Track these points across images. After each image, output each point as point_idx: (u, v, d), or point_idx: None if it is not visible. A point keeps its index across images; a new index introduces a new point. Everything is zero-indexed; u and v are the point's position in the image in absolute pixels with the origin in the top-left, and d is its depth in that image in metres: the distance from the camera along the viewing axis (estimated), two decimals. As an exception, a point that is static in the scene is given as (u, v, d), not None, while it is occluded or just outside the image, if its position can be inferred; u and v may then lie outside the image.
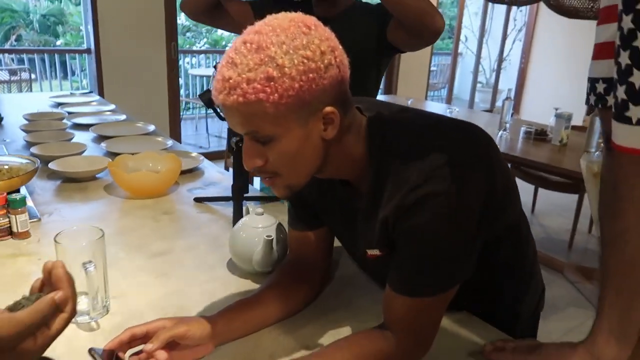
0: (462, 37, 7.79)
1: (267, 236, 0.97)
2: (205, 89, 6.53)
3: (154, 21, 4.04)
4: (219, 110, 1.27)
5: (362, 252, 0.80)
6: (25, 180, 1.29)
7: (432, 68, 6.71)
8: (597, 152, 2.65)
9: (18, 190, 1.29)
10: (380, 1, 1.36)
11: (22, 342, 0.53)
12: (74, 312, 0.58)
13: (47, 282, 0.59)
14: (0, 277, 0.99)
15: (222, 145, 5.24)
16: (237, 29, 1.64)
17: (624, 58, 0.52)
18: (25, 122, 2.10)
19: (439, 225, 0.66)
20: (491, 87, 7.35)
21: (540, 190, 3.61)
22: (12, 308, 0.56)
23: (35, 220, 1.23)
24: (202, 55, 7.55)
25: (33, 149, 1.67)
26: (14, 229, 1.14)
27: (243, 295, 0.89)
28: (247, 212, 1.10)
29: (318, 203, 0.88)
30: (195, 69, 6.93)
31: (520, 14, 6.79)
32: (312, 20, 0.66)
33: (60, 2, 12.57)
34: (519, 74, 6.75)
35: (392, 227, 0.70)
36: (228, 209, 1.37)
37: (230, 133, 1.27)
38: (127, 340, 0.72)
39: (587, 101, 0.64)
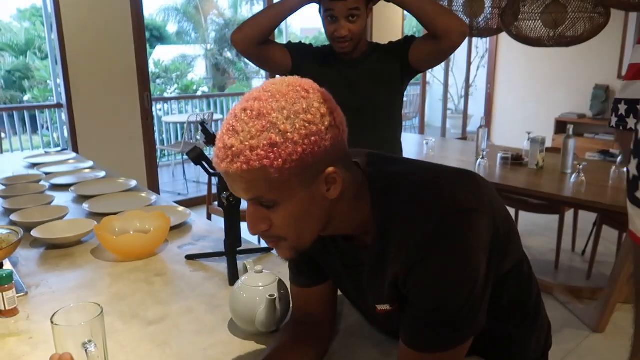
0: (428, 67, 8.02)
1: (270, 295, 0.95)
2: (180, 135, 6.49)
3: (126, 72, 4.04)
4: (206, 166, 1.27)
5: (371, 307, 0.79)
6: (10, 252, 1.24)
7: (404, 99, 6.87)
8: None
9: (1, 265, 1.24)
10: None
11: None
12: None
13: None
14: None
15: (201, 191, 5.20)
16: (279, 70, 1.76)
17: None
18: (1, 187, 2.04)
19: (449, 278, 0.66)
20: (461, 113, 7.54)
21: (522, 214, 3.67)
22: None
23: (22, 294, 1.18)
24: (173, 102, 7.57)
25: (13, 217, 1.62)
26: (1, 308, 1.08)
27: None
28: (245, 270, 1.08)
29: (320, 258, 0.87)
30: (168, 116, 6.92)
31: (481, 41, 7.05)
32: (309, 83, 0.67)
33: (26, 57, 12.50)
34: (486, 98, 6.95)
35: (403, 283, 0.70)
36: (221, 265, 1.35)
37: (221, 188, 1.26)
38: None
39: (609, 122, 0.63)
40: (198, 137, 5.93)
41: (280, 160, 0.61)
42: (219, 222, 2.00)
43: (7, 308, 1.09)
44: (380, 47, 1.77)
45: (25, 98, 11.30)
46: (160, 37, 13.38)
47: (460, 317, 0.69)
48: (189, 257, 1.39)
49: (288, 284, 1.00)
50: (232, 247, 1.31)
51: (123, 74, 4.04)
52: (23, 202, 1.81)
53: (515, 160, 3.02)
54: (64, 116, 4.31)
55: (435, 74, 8.32)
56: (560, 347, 2.40)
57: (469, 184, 0.73)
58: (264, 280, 1.01)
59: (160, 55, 12.44)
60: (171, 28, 13.18)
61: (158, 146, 5.75)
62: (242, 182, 0.64)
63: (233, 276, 1.24)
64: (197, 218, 1.73)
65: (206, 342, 0.99)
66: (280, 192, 0.64)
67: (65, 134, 4.50)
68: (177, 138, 6.71)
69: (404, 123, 7.62)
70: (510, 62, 6.60)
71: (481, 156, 2.90)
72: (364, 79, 1.71)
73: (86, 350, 0.77)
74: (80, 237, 1.50)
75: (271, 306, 0.95)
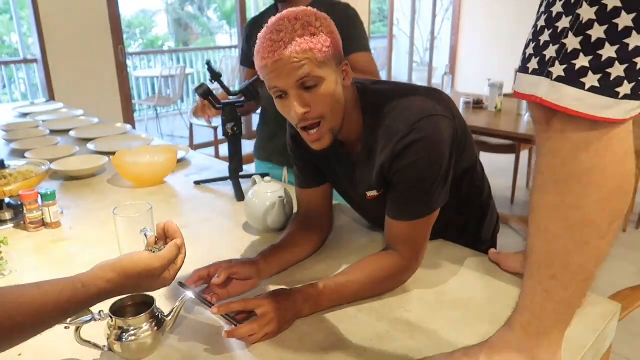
0: (394, 20, 8.14)
1: (280, 197, 1.18)
2: (151, 90, 6.48)
3: (99, 26, 4.05)
4: (213, 101, 1.46)
5: (361, 195, 1.04)
6: (42, 178, 1.42)
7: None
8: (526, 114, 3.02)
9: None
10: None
11: (164, 272, 0.74)
12: (185, 254, 0.79)
13: (160, 237, 0.79)
14: (53, 258, 1.15)
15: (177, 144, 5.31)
16: None
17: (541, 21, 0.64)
18: (3, 132, 2.17)
19: (423, 164, 0.90)
20: (426, 66, 7.77)
21: (483, 155, 3.99)
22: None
23: (60, 212, 1.37)
24: (142, 57, 7.49)
25: (27, 154, 1.78)
26: (47, 220, 1.28)
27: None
28: (254, 183, 1.29)
29: (320, 163, 1.10)
30: (139, 70, 6.88)
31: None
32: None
33: (-23, 13, 11.86)
34: (451, 50, 7.18)
35: (388, 169, 0.94)
36: (225, 188, 1.56)
37: (226, 120, 1.46)
38: (196, 279, 0.91)
39: None
40: (169, 92, 5.98)
41: (320, 44, 0.84)
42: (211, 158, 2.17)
43: (52, 221, 1.28)
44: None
45: (-18, 55, 10.79)
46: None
47: (430, 192, 0.93)
48: (198, 182, 1.60)
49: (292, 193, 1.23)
50: (236, 170, 1.52)
51: (96, 28, 4.05)
52: (30, 144, 1.96)
53: (476, 104, 3.29)
54: (36, 71, 4.30)
55: (401, 27, 8.45)
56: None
57: (435, 96, 0.97)
58: (272, 188, 1.23)
59: (121, 10, 11.95)
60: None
61: (136, 100, 5.79)
62: (292, 66, 0.84)
63: (239, 194, 1.46)
64: (195, 154, 1.93)
65: (227, 240, 1.23)
66: (322, 71, 0.86)
67: (33, 88, 4.48)
68: (147, 93, 6.72)
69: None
70: (474, 14, 6.81)
71: (445, 100, 3.15)
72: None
73: (145, 235, 0.98)
74: (96, 169, 1.68)
75: (280, 206, 1.19)
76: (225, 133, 1.48)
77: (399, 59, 8.82)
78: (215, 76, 1.43)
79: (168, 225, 0.80)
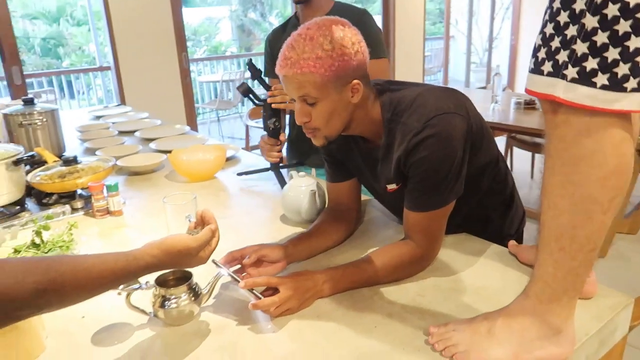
0: (452, 21, 8.05)
1: (312, 190, 1.29)
2: (213, 94, 6.78)
3: (164, 34, 4.35)
4: (253, 98, 1.57)
5: (383, 188, 1.12)
6: (108, 173, 1.61)
7: (426, 53, 6.99)
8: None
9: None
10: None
11: (200, 252, 0.87)
12: (219, 237, 0.92)
13: (199, 222, 0.92)
14: (115, 241, 1.32)
15: (238, 146, 5.56)
16: None
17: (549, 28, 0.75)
18: (79, 133, 2.43)
19: (435, 158, 0.97)
20: (485, 66, 7.62)
21: (537, 157, 3.90)
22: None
23: (122, 202, 1.55)
24: (205, 63, 7.87)
25: (98, 152, 2.00)
26: (111, 209, 1.46)
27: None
28: (291, 178, 1.40)
29: (347, 159, 1.19)
30: (202, 76, 7.25)
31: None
32: (346, 21, 0.97)
33: (59, 24, 12.90)
34: (511, 50, 7.01)
35: (404, 163, 1.02)
36: (266, 184, 1.69)
37: (267, 116, 1.57)
38: (230, 260, 1.03)
39: None
40: (230, 96, 6.26)
41: (322, 69, 0.93)
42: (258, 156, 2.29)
43: (115, 209, 1.46)
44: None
45: (64, 64, 11.75)
46: (185, 0, 13.51)
47: (442, 185, 1.00)
48: (240, 174, 1.73)
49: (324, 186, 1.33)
50: (277, 163, 1.64)
51: (162, 37, 4.35)
52: (101, 143, 2.19)
53: (528, 104, 3.24)
54: (110, 78, 4.68)
55: (459, 28, 8.33)
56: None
57: (450, 96, 1.03)
58: (305, 182, 1.34)
59: (187, 19, 12.59)
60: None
61: (199, 105, 6.12)
62: (296, 83, 0.95)
63: (282, 182, 1.57)
64: (245, 154, 2.08)
65: (265, 229, 1.35)
66: (320, 92, 0.95)
67: (108, 93, 4.87)
68: (210, 97, 7.06)
69: (427, 78, 7.63)
70: (534, 13, 6.61)
71: (495, 101, 3.13)
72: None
73: (189, 220, 1.11)
74: (156, 165, 1.86)
75: (312, 198, 1.29)
76: (266, 128, 1.59)
77: (456, 60, 8.69)
78: (255, 74, 1.54)
79: (205, 213, 0.93)
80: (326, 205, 1.33)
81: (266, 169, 1.67)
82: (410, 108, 1.01)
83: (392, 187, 1.10)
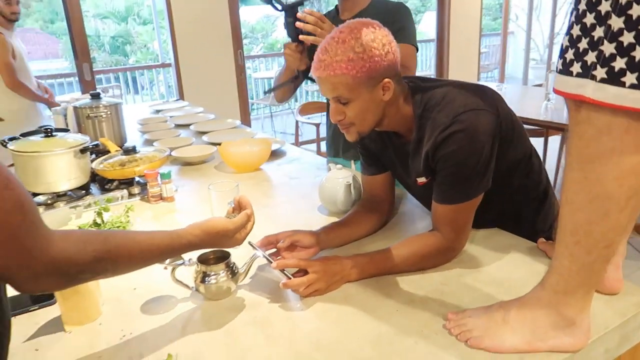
0: (512, 16, 7.81)
1: (347, 182, 1.35)
2: (267, 88, 6.95)
3: (221, 32, 4.53)
4: (275, 4, 1.53)
5: (413, 181, 1.16)
6: (163, 162, 1.74)
7: (483, 50, 6.84)
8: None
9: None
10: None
11: (236, 234, 0.95)
12: (254, 221, 1.00)
13: (237, 207, 1.01)
14: (166, 224, 1.44)
15: (288, 140, 5.70)
16: None
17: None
18: (139, 125, 2.61)
19: (462, 152, 1.01)
20: (545, 63, 7.34)
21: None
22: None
23: (174, 190, 1.67)
24: (261, 59, 8.08)
25: (155, 144, 2.15)
26: (164, 195, 1.59)
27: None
28: (329, 170, 1.47)
29: (381, 153, 1.25)
30: (257, 72, 7.44)
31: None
32: (377, 23, 1.02)
33: (127, 23, 13.61)
34: (573, 46, 6.71)
35: (432, 157, 1.06)
36: (308, 177, 1.76)
37: (288, 24, 1.55)
38: (266, 243, 1.12)
39: None
40: (284, 92, 6.40)
41: (354, 70, 0.98)
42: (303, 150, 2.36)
43: (167, 195, 1.58)
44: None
45: (130, 61, 12.40)
46: (244, -1, 13.86)
47: (469, 179, 1.03)
48: (268, 91, 1.81)
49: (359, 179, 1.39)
50: (304, 68, 1.62)
51: (219, 35, 4.53)
52: (158, 135, 2.35)
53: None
54: (171, 74, 4.93)
55: (519, 23, 8.07)
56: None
57: (480, 93, 1.06)
58: (342, 174, 1.40)
59: (245, 17, 12.95)
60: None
61: (254, 100, 6.32)
62: (329, 84, 1.01)
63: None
64: (290, 147, 2.17)
65: (303, 218, 1.42)
66: (352, 92, 1.01)
67: (169, 89, 5.13)
68: (264, 93, 7.24)
69: (482, 75, 7.42)
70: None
71: (547, 99, 3.05)
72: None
73: (230, 205, 1.21)
74: (206, 157, 1.99)
75: (348, 190, 1.35)
76: (289, 34, 1.57)
77: (516, 57, 8.43)
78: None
79: (242, 199, 1.01)
80: (362, 196, 1.38)
81: (294, 78, 1.71)
82: (440, 104, 1.05)
83: (421, 180, 1.14)
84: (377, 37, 1.00)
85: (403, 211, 1.41)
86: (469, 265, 1.10)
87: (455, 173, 1.04)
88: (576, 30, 0.71)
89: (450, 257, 1.10)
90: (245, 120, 4.90)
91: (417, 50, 1.72)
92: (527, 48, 7.06)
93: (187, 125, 2.57)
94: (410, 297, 0.99)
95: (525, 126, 2.96)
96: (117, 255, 0.76)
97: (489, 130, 1.02)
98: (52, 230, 0.68)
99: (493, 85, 4.69)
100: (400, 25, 1.66)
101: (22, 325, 0.95)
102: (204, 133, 2.36)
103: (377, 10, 1.74)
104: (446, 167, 1.04)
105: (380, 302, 0.98)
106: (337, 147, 1.92)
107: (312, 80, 1.66)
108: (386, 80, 1.02)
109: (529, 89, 5.03)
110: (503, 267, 1.09)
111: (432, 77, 1.48)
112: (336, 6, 1.82)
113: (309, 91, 7.51)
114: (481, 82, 5.87)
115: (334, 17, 1.80)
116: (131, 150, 1.75)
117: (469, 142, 1.00)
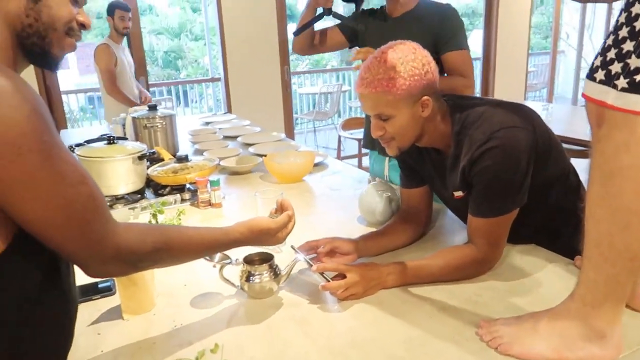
0: (563, 35, 7.66)
1: (387, 195, 1.40)
2: (312, 105, 7.09)
3: (270, 49, 4.69)
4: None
5: (450, 194, 1.21)
6: (212, 171, 1.85)
7: (531, 68, 6.74)
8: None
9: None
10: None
11: (278, 233, 1.02)
12: (294, 222, 1.07)
13: (279, 209, 1.08)
14: (213, 227, 1.53)
15: (331, 155, 5.79)
16: (335, 50, 2.08)
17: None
18: (190, 136, 2.75)
19: (498, 167, 1.04)
20: (597, 83, 7.14)
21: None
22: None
23: (222, 197, 1.77)
24: (306, 75, 8.25)
25: (205, 154, 2.27)
26: (213, 201, 1.69)
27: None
28: (369, 182, 1.53)
29: (420, 167, 1.30)
30: (302, 87, 7.61)
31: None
32: (417, 44, 1.09)
33: (179, 39, 14.21)
34: (627, 66, 6.52)
35: (468, 172, 1.10)
36: (349, 189, 1.82)
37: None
38: (307, 248, 1.18)
39: None
40: (327, 107, 6.52)
41: (395, 88, 1.05)
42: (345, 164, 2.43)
43: (216, 202, 1.68)
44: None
45: (182, 75, 12.90)
46: (292, 15, 14.20)
47: (504, 194, 1.07)
48: (297, 31, 1.90)
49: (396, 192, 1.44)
50: (329, 6, 1.79)
51: (267, 51, 4.69)
52: (208, 145, 2.48)
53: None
54: (220, 88, 5.12)
55: (570, 42, 7.91)
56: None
57: (517, 111, 1.10)
58: (382, 187, 1.46)
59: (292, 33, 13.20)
60: (301, 5, 13.92)
61: (298, 115, 6.47)
62: (371, 101, 1.08)
63: (342, 18, 1.80)
64: (333, 161, 2.24)
65: (343, 228, 1.48)
66: (393, 109, 1.07)
67: (217, 102, 5.33)
68: (308, 108, 7.39)
69: (530, 94, 7.27)
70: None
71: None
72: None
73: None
74: (252, 167, 2.09)
75: (387, 203, 1.41)
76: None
77: (566, 77, 8.24)
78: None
79: (284, 201, 1.09)
80: (400, 208, 1.43)
81: (320, 16, 1.76)
82: (478, 121, 1.09)
83: (458, 194, 1.18)
84: (417, 57, 1.06)
85: (440, 224, 1.45)
86: (503, 277, 1.13)
87: (490, 187, 1.07)
88: (610, 40, 0.75)
89: (484, 270, 1.13)
90: (290, 134, 5.03)
91: (468, 50, 1.75)
92: (578, 67, 6.91)
93: (234, 137, 2.69)
94: (444, 304, 1.03)
95: (573, 147, 2.91)
96: (172, 247, 0.85)
97: (524, 146, 1.05)
98: (118, 222, 0.77)
99: (539, 105, 4.63)
100: (451, 33, 1.72)
101: (86, 312, 1.05)
102: (250, 145, 2.47)
103: (425, 12, 1.80)
104: (482, 181, 1.08)
105: (414, 307, 1.03)
106: (374, 141, 1.97)
107: (334, 17, 1.74)
108: (425, 97, 1.08)
109: (579, 109, 4.92)
110: (538, 281, 1.11)
111: (476, 95, 1.53)
112: (383, 7, 1.88)
113: (352, 107, 7.61)
114: (528, 102, 5.80)
115: (382, 14, 1.87)
116: (184, 159, 1.86)
117: (504, 158, 1.04)
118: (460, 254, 1.12)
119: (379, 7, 1.94)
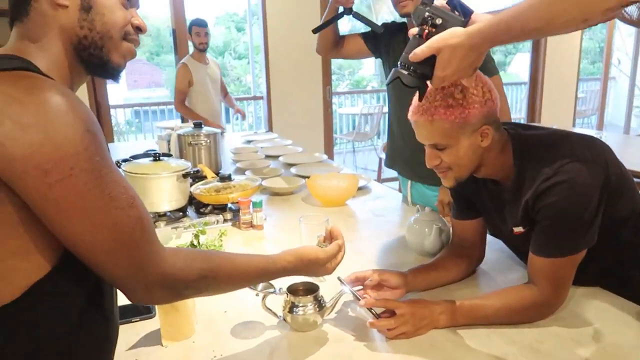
0: (614, 61, 7.40)
1: (437, 225, 1.33)
2: (352, 125, 7.05)
3: (312, 69, 4.70)
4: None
5: (509, 230, 1.13)
6: (255, 191, 1.82)
7: (580, 94, 6.52)
8: None
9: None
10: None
11: (327, 263, 0.98)
12: (344, 252, 1.02)
13: (328, 237, 1.04)
14: (254, 251, 1.49)
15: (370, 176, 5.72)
16: (357, 57, 2.03)
17: None
18: (232, 154, 2.75)
19: (566, 204, 0.96)
20: (651, 111, 6.84)
21: None
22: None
23: (263, 218, 1.74)
24: (347, 96, 8.26)
25: (247, 172, 2.25)
26: (254, 222, 1.65)
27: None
28: (418, 211, 1.46)
29: (475, 198, 1.22)
30: (342, 108, 7.61)
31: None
32: (478, 71, 1.03)
33: (224, 57, 14.56)
34: (685, 95, 6.22)
35: (532, 207, 1.02)
36: (394, 215, 1.76)
37: None
38: (354, 280, 1.12)
39: None
40: (367, 128, 6.48)
41: (452, 116, 0.98)
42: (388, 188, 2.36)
43: (258, 223, 1.65)
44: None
45: (223, 93, 13.14)
46: (335, 37, 14.31)
47: (571, 233, 0.98)
48: (316, 29, 1.84)
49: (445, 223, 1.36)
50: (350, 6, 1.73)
51: (310, 71, 4.70)
52: (250, 164, 2.47)
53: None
54: (262, 106, 5.17)
55: (622, 68, 7.62)
56: None
57: (588, 144, 1.01)
58: (431, 217, 1.39)
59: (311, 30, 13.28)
60: (343, 27, 14.03)
61: (337, 135, 6.45)
62: (426, 130, 1.02)
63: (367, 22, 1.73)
64: (376, 184, 2.19)
65: (388, 257, 1.41)
66: (449, 139, 1.01)
67: (257, 120, 5.38)
68: (348, 128, 7.37)
69: (578, 121, 7.04)
70: None
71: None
72: None
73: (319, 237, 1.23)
74: (295, 188, 2.05)
75: (437, 233, 1.33)
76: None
77: (617, 103, 7.93)
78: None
79: (334, 230, 1.04)
80: (450, 242, 1.36)
81: (340, 15, 1.71)
82: (543, 153, 1.02)
83: (518, 229, 1.10)
84: (478, 84, 1.00)
85: (494, 259, 1.36)
86: (568, 323, 1.03)
87: (556, 225, 0.99)
88: None
89: (545, 314, 1.04)
90: (329, 154, 5.00)
91: (499, 75, 1.68)
92: (631, 95, 6.63)
93: (276, 157, 2.67)
94: (503, 350, 0.95)
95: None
96: (218, 275, 0.81)
97: (595, 182, 0.97)
98: (164, 247, 0.74)
99: (591, 133, 4.45)
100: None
101: (125, 335, 1.02)
102: (292, 165, 2.45)
103: None
104: (547, 217, 1.00)
105: (469, 353, 0.95)
106: (397, 161, 1.92)
107: (355, 17, 1.71)
108: (485, 127, 1.01)
109: (632, 138, 4.70)
110: (606, 329, 1.01)
111: (531, 123, 1.44)
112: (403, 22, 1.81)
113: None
114: (576, 129, 5.58)
115: (405, 31, 1.80)
116: (227, 178, 1.85)
117: (572, 194, 0.96)
118: (519, 296, 1.04)
119: (402, 22, 1.88)
